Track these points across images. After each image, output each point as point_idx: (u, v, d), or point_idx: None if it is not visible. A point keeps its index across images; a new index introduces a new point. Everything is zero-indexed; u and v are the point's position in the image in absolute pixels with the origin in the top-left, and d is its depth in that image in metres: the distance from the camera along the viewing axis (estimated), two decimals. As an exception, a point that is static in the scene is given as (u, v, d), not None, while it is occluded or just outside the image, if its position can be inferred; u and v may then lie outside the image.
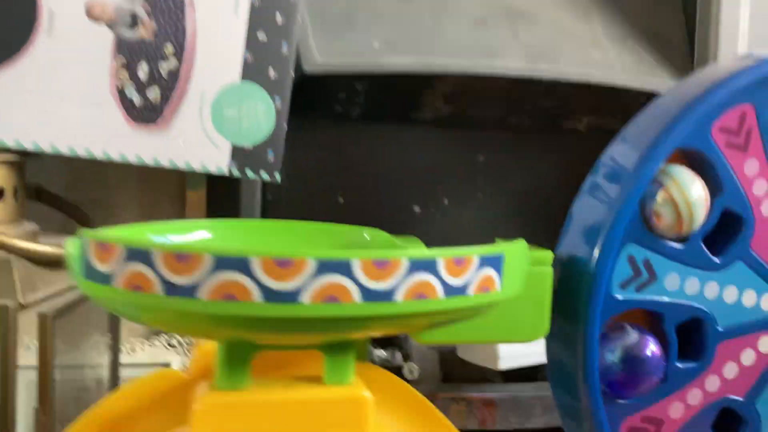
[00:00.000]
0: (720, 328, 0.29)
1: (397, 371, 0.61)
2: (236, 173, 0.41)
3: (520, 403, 0.62)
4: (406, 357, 0.62)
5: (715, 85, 0.27)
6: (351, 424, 0.21)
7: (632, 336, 0.28)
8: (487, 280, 0.21)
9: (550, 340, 0.29)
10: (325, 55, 0.52)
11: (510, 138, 0.66)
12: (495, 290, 0.21)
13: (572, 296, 0.27)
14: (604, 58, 0.58)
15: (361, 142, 0.76)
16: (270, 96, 0.40)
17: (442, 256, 0.19)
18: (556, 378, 0.29)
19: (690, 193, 0.26)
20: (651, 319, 0.28)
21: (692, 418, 0.29)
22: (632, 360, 0.27)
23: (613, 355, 0.27)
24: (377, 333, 0.22)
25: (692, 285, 0.28)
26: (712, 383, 0.29)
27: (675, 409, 0.29)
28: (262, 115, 0.40)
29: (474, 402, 0.60)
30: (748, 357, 0.29)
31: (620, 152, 0.28)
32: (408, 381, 0.62)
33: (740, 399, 0.30)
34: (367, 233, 0.28)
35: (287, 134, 0.65)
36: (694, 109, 0.27)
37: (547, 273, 0.26)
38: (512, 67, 0.56)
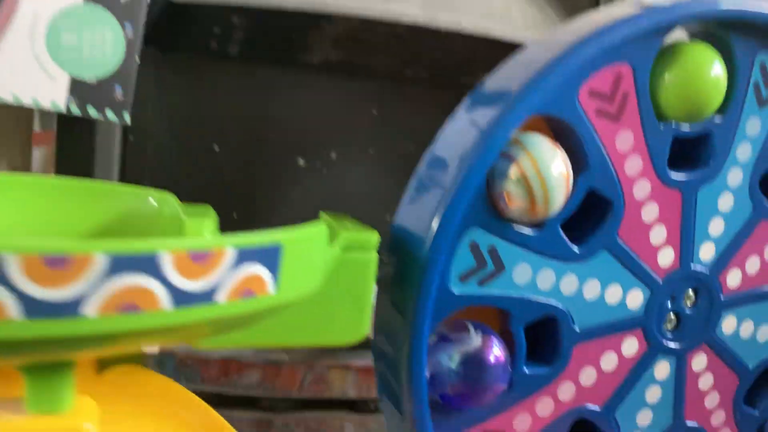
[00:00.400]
0: (577, 329, 0.25)
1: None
2: (75, 111, 0.35)
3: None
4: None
5: (586, 38, 0.22)
6: None
7: (474, 338, 0.23)
8: (252, 281, 0.16)
9: (376, 340, 0.25)
10: None
11: (406, 92, 0.61)
12: (266, 293, 0.16)
13: (402, 289, 0.23)
14: (506, 10, 0.53)
15: (241, 84, 0.69)
16: (119, 22, 0.35)
17: (168, 249, 0.14)
18: (382, 384, 0.25)
19: (547, 170, 0.22)
20: (499, 318, 0.24)
21: (541, 431, 0.25)
22: (473, 366, 0.23)
23: (450, 361, 0.23)
24: (74, 354, 0.16)
25: (546, 278, 0.24)
26: (566, 391, 0.25)
27: (521, 421, 0.25)
28: (108, 44, 0.35)
29: (352, 369, 0.56)
30: (609, 361, 0.25)
31: (466, 118, 0.23)
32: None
33: (597, 409, 0.26)
34: (154, 198, 0.23)
35: (155, 72, 0.58)
36: (558, 67, 0.22)
37: (370, 260, 0.21)
38: (409, 14, 0.51)
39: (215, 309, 0.15)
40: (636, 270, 0.25)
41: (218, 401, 0.44)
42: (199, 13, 0.51)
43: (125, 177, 0.52)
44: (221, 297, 0.15)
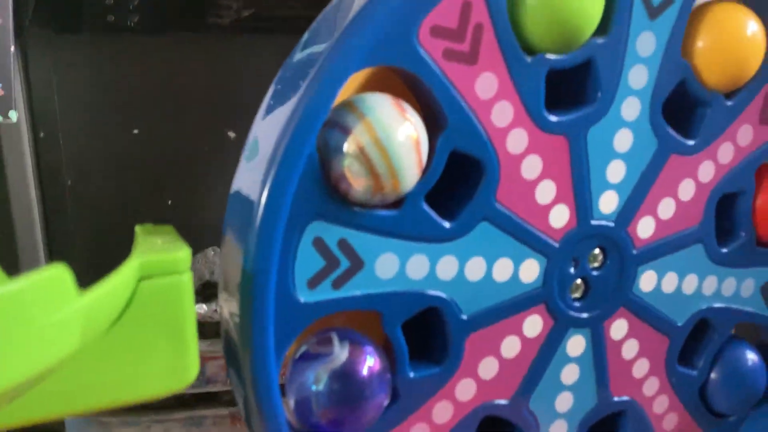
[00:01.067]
0: (466, 317, 0.21)
1: (218, 325, 0.53)
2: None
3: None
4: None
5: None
6: None
7: (340, 351, 0.19)
8: None
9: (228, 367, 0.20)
10: None
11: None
12: None
13: (239, 311, 0.18)
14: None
15: (149, 58, 0.64)
16: None
17: None
18: (246, 419, 0.21)
19: (387, 138, 0.18)
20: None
21: None
22: (343, 384, 0.19)
23: (316, 382, 0.19)
24: None
25: (418, 265, 0.20)
26: (466, 390, 0.21)
27: (419, 430, 0.21)
28: None
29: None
30: (510, 347, 0.22)
31: (284, 80, 0.19)
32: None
33: (505, 402, 0.22)
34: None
35: (54, 55, 0.54)
36: (384, 3, 0.18)
37: (180, 283, 0.17)
38: None
39: None
40: (525, 237, 0.21)
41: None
42: None
43: (42, 175, 0.48)
44: None
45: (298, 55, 0.19)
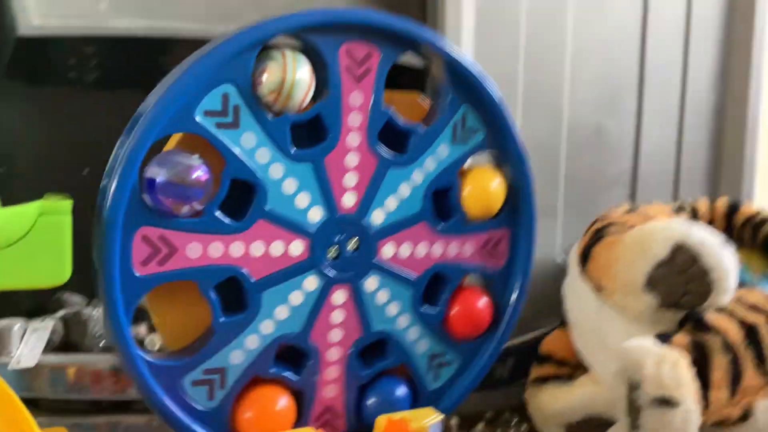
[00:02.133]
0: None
1: (141, 343, 0.65)
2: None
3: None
4: (151, 329, 0.67)
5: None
6: None
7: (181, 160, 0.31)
8: None
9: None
10: (44, 17, 0.51)
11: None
12: None
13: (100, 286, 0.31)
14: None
15: (101, 109, 0.76)
16: None
17: None
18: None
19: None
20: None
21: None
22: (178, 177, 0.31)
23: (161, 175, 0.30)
24: None
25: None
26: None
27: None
28: None
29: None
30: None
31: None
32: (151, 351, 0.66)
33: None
34: None
35: (21, 104, 0.62)
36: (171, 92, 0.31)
37: (65, 222, 0.29)
38: None
39: None
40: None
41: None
42: (52, 45, 0.58)
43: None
44: None
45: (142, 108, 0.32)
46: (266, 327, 0.35)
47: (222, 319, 0.33)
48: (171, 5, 0.57)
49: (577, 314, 0.72)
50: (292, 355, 0.36)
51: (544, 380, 0.72)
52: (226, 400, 0.34)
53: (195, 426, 0.33)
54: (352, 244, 0.36)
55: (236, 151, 0.33)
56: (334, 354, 0.36)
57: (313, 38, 0.34)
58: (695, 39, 0.84)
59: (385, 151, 0.36)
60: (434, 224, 0.38)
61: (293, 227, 0.34)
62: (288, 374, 0.35)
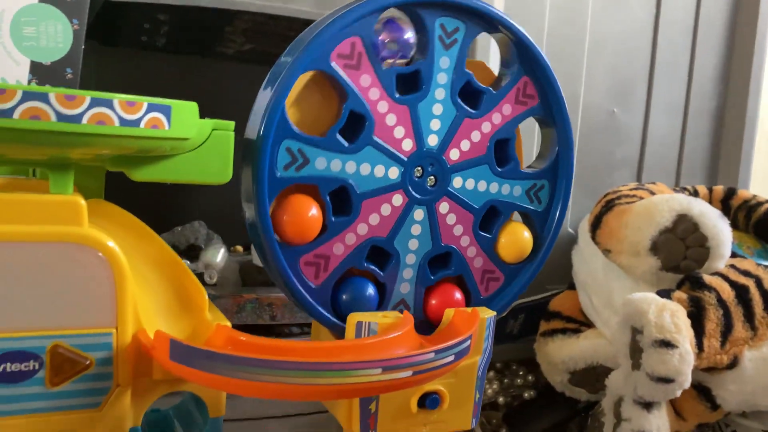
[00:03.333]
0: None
1: (200, 277, 0.73)
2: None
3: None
4: (207, 266, 0.76)
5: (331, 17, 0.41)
6: (70, 219, 0.33)
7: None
8: (157, 121, 0.33)
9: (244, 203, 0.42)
10: None
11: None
12: (164, 128, 0.33)
13: (248, 174, 0.40)
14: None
15: (168, 71, 0.85)
16: (68, 17, 0.45)
17: (117, 98, 0.31)
18: (251, 235, 0.42)
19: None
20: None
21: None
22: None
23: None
24: (77, 151, 0.32)
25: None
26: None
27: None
28: (59, 35, 0.45)
29: (264, 300, 0.73)
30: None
31: (272, 72, 0.41)
32: (209, 285, 0.75)
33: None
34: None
35: (96, 60, 0.70)
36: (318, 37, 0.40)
37: (229, 136, 0.38)
38: (303, 10, 0.67)
39: (139, 131, 0.32)
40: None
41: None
42: (131, 10, 0.65)
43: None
44: (142, 124, 0.32)
45: (283, 58, 0.41)
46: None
47: (332, 219, 0.42)
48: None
49: (585, 276, 0.82)
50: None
51: (552, 333, 0.82)
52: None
53: (308, 297, 0.42)
54: (432, 173, 0.45)
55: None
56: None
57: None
58: (702, 37, 0.94)
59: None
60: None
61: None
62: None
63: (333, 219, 0.43)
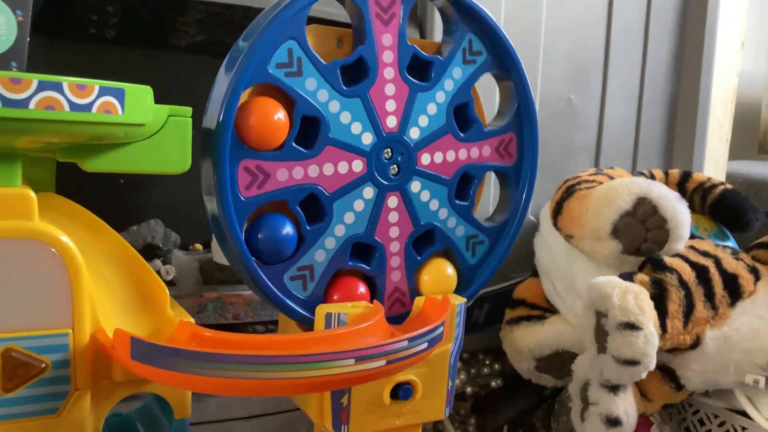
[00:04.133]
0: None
1: (158, 274, 0.71)
2: (-23, 84, 0.44)
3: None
4: (165, 262, 0.73)
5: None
6: (19, 213, 0.31)
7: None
8: (109, 105, 0.31)
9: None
10: None
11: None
12: (118, 113, 0.31)
13: (209, 165, 0.39)
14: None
15: (118, 65, 0.82)
16: (10, 8, 0.43)
17: (66, 81, 0.29)
18: (215, 230, 0.41)
19: None
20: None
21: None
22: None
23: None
24: (24, 139, 0.30)
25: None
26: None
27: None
28: (2, 27, 0.43)
29: (226, 299, 0.72)
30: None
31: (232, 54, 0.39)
32: (168, 282, 0.73)
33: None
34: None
35: (42, 55, 0.66)
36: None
37: (187, 123, 0.37)
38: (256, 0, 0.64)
39: (90, 116, 0.30)
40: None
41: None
42: (77, 1, 0.63)
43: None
44: (94, 109, 0.30)
45: (224, 72, 0.39)
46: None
47: (308, 228, 0.41)
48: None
49: (547, 262, 0.82)
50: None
51: (517, 321, 0.82)
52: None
53: (299, 309, 0.41)
54: (398, 156, 0.44)
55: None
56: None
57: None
58: (655, 25, 0.95)
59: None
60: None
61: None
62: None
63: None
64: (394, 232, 0.44)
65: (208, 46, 0.81)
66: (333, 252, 0.42)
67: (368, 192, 0.43)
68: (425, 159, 0.45)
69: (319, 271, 0.42)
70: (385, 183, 0.44)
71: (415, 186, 0.45)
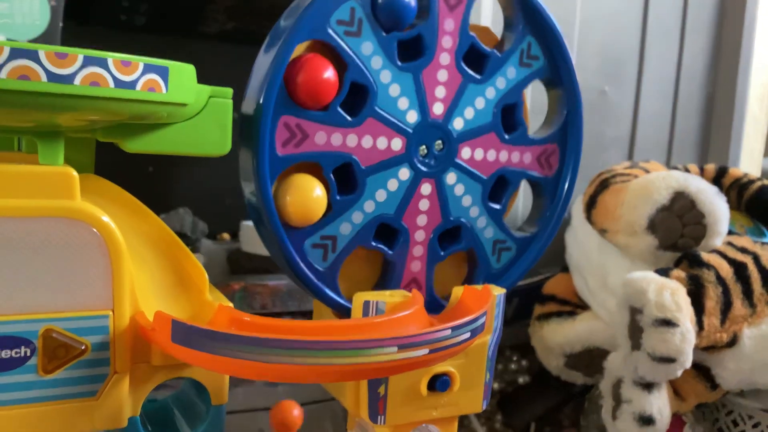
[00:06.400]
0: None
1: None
2: (11, 68, 0.44)
3: (294, 290, 0.74)
4: (193, 251, 0.74)
5: None
6: (61, 193, 0.31)
7: None
8: (153, 83, 0.30)
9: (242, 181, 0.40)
10: None
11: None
12: (161, 92, 0.31)
13: (247, 152, 0.38)
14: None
15: (148, 52, 0.81)
16: None
17: (111, 57, 0.29)
18: (253, 216, 0.40)
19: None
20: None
21: (358, 231, 0.42)
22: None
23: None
24: (68, 116, 0.30)
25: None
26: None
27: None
28: (36, 12, 0.43)
29: (253, 288, 0.71)
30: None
31: (272, 35, 0.39)
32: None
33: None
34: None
35: (73, 41, 0.68)
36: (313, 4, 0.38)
37: (227, 104, 0.36)
38: None
39: (135, 94, 0.29)
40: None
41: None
42: None
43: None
44: (138, 87, 0.29)
45: (282, 22, 0.39)
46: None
47: (337, 197, 0.40)
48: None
49: (579, 257, 0.81)
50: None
51: (547, 316, 0.81)
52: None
53: (315, 281, 0.40)
54: (438, 145, 0.43)
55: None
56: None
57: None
58: (692, 18, 0.93)
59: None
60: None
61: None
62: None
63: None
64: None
65: (237, 34, 0.81)
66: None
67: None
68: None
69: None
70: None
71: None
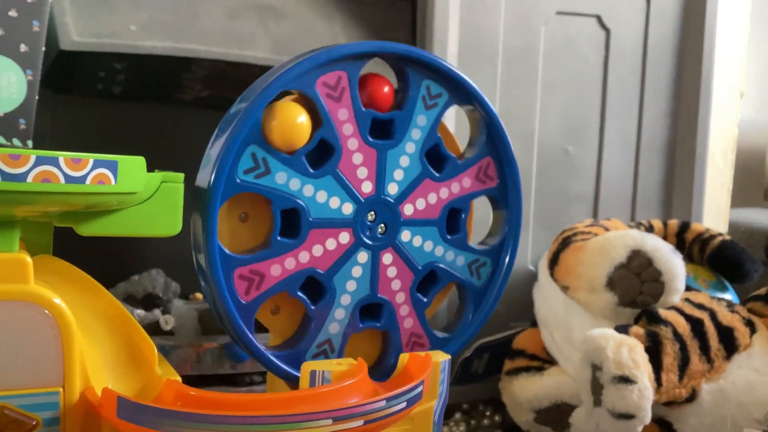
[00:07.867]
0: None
1: (156, 324, 0.73)
2: (-12, 139, 0.46)
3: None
4: (164, 312, 0.75)
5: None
6: (15, 277, 0.33)
7: None
8: (103, 176, 0.33)
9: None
10: (82, 35, 0.59)
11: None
12: (111, 184, 0.34)
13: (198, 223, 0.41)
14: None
15: (125, 119, 0.84)
16: (21, 68, 0.45)
17: (62, 156, 0.32)
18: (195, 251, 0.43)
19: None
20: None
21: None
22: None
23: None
24: (23, 209, 0.33)
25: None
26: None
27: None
28: (13, 86, 0.45)
29: (227, 347, 0.73)
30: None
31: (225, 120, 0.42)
32: (167, 332, 0.75)
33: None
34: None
35: (50, 109, 0.68)
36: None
37: (179, 188, 0.39)
38: (260, 57, 0.67)
39: (84, 188, 0.32)
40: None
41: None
42: (86, 59, 0.66)
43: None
44: (88, 181, 0.32)
45: (235, 107, 0.42)
46: (345, 299, 0.45)
47: (278, 238, 0.43)
48: (192, 28, 0.66)
49: (546, 313, 0.83)
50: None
51: (516, 372, 0.83)
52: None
53: (234, 311, 0.42)
54: (383, 227, 0.46)
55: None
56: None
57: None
58: (650, 77, 0.97)
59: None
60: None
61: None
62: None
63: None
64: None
65: (213, 101, 0.84)
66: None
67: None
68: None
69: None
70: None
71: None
